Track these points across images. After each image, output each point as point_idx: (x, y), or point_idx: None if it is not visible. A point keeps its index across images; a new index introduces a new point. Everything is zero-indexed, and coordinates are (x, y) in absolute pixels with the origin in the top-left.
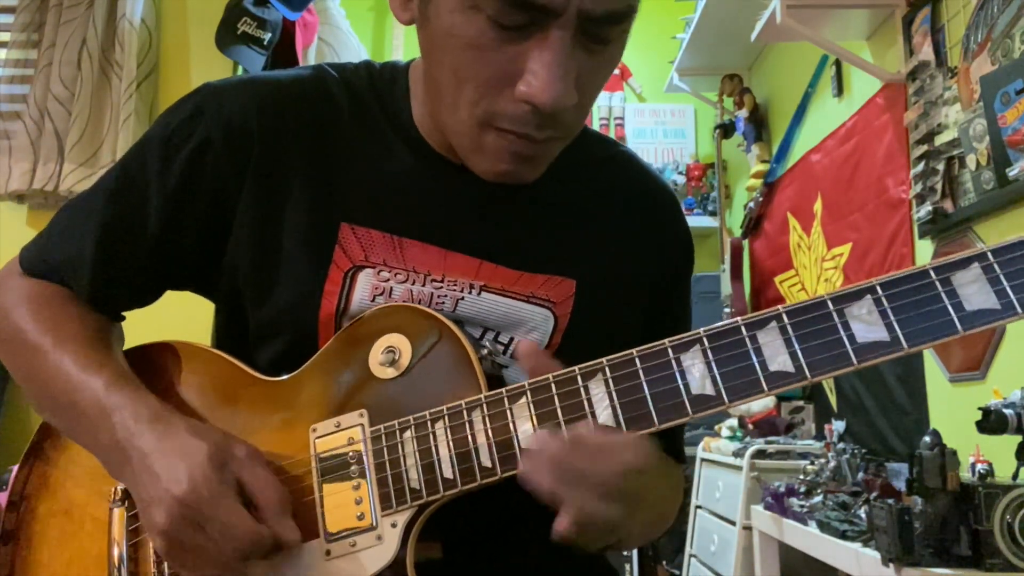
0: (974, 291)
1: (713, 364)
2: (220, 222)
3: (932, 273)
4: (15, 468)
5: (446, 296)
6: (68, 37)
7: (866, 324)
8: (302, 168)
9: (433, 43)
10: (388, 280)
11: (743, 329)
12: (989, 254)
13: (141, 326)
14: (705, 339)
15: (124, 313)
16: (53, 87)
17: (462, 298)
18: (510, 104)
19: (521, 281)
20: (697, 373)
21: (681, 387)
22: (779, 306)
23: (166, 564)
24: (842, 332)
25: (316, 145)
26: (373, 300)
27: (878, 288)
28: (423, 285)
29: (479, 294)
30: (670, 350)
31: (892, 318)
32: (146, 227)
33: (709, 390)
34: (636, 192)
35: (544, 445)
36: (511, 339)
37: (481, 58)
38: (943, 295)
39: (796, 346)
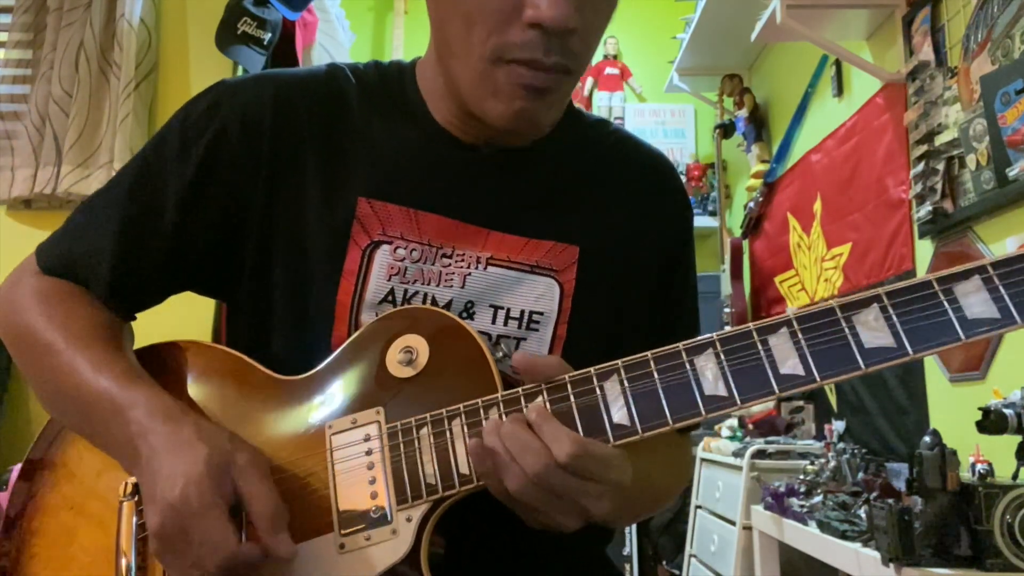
0: (975, 301)
1: (726, 366)
2: (236, 210)
3: (935, 284)
4: (16, 467)
5: (454, 274)
6: (68, 40)
7: (873, 331)
8: (317, 151)
9: (443, 1)
10: (404, 259)
11: (755, 334)
12: (989, 267)
13: (140, 326)
14: (718, 343)
15: (136, 314)
16: (52, 90)
17: (469, 274)
18: (518, 33)
19: (527, 249)
20: (710, 375)
21: (695, 388)
22: (789, 312)
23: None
24: (850, 338)
25: (329, 129)
26: (389, 280)
27: (884, 297)
28: (433, 263)
29: (485, 268)
30: (684, 352)
31: (898, 325)
32: (164, 217)
33: (722, 391)
34: (635, 161)
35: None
36: (522, 311)
37: None
38: (946, 304)
39: (806, 350)
